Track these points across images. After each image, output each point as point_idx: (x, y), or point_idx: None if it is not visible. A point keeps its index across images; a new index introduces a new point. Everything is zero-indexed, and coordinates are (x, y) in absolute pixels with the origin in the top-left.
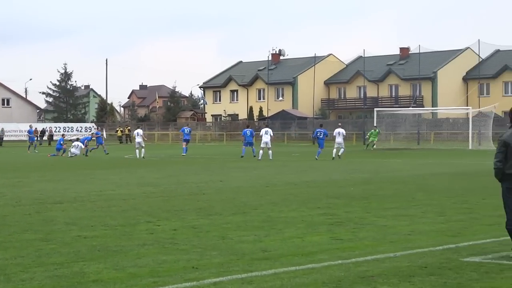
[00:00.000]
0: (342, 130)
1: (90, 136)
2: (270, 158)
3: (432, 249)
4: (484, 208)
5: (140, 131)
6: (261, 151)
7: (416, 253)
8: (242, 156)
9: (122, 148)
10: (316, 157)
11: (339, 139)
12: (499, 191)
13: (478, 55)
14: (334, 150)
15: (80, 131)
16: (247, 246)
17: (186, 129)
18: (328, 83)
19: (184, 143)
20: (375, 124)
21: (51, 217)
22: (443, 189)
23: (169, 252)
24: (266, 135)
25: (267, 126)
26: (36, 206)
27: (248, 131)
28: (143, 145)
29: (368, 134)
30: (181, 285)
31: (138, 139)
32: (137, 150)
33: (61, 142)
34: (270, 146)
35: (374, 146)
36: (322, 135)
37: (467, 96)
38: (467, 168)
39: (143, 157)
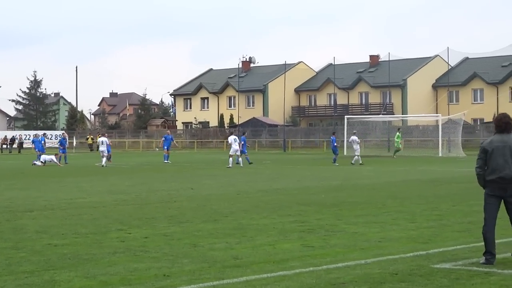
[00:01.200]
0: (355, 138)
1: (63, 139)
2: (241, 165)
3: (403, 256)
4: (454, 215)
5: (105, 139)
6: (230, 159)
7: (387, 260)
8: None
9: (92, 156)
10: (334, 163)
11: (355, 146)
12: (469, 197)
13: (448, 63)
14: (355, 157)
15: (51, 139)
16: (218, 253)
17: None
18: (298, 91)
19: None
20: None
21: (21, 225)
22: (413, 196)
23: (140, 260)
24: (235, 142)
25: (232, 134)
26: (6, 214)
27: (244, 138)
28: (105, 154)
29: (396, 138)
30: None
31: (102, 148)
32: (103, 158)
33: (42, 142)
34: (239, 153)
35: (397, 153)
36: (333, 142)
37: (436, 104)
38: (437, 175)
39: (102, 165)
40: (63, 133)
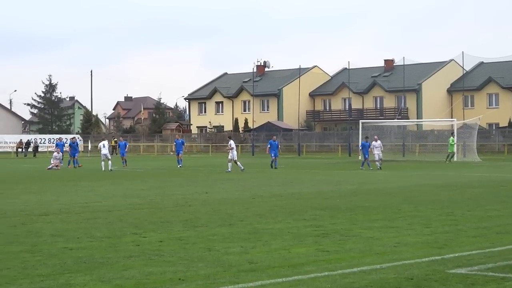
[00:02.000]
0: (378, 142)
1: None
2: (229, 170)
3: (418, 261)
4: (469, 220)
5: (105, 142)
6: (239, 163)
7: (402, 264)
8: (276, 167)
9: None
10: (361, 167)
11: (377, 151)
12: (484, 202)
13: (462, 67)
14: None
15: (66, 143)
16: (233, 257)
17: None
18: (313, 95)
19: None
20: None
21: (36, 229)
22: (428, 201)
23: (155, 264)
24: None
25: (230, 138)
26: (21, 218)
27: (273, 142)
28: (109, 157)
29: (450, 142)
30: None
31: (104, 151)
32: (103, 163)
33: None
34: (236, 158)
35: (453, 158)
36: (365, 147)
37: (451, 108)
38: (453, 180)
39: (110, 169)
40: (73, 138)
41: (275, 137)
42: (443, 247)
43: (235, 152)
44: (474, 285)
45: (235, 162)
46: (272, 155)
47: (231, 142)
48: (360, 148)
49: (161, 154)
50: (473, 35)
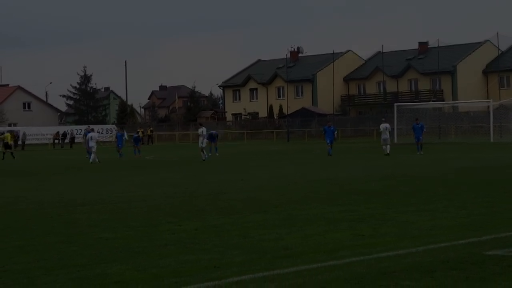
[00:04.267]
0: (387, 125)
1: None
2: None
3: (455, 244)
4: (506, 201)
5: (95, 134)
6: (204, 152)
7: (438, 248)
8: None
9: (143, 149)
10: (420, 152)
11: (385, 135)
12: None
13: (498, 48)
14: (384, 147)
15: (101, 133)
16: (268, 244)
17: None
18: (347, 80)
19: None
20: None
21: (73, 219)
22: (464, 183)
23: (191, 252)
24: (205, 135)
25: (202, 125)
26: (58, 209)
27: (327, 128)
28: (95, 150)
29: None
30: (203, 285)
31: (91, 143)
32: (92, 155)
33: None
34: (204, 145)
35: None
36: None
37: (487, 89)
38: (489, 162)
39: (90, 162)
40: (88, 127)
41: (330, 123)
42: (479, 229)
43: (205, 140)
44: (511, 266)
45: (202, 149)
46: (328, 141)
47: (203, 129)
48: (413, 130)
49: (196, 142)
50: (508, 15)
